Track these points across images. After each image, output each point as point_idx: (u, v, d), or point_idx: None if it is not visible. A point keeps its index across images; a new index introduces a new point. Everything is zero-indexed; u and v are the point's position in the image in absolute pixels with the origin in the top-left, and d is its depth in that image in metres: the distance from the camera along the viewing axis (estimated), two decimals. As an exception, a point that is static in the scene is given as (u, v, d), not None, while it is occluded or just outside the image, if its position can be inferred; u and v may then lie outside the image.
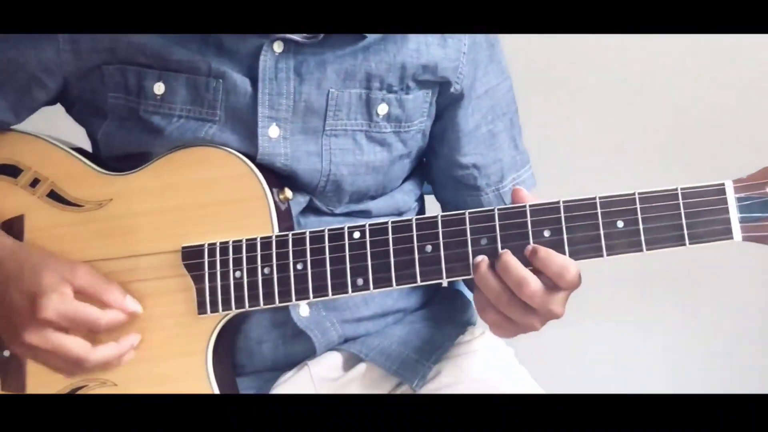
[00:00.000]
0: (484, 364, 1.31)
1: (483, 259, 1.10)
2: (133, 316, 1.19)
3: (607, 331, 2.25)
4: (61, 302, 1.14)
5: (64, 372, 1.18)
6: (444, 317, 1.36)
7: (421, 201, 1.41)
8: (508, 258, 1.09)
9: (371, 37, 1.24)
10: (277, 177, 1.23)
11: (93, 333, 1.17)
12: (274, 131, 1.22)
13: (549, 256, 1.08)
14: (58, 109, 1.33)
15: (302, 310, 1.25)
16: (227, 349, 1.23)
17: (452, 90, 1.29)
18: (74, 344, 1.15)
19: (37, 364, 1.19)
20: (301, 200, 1.26)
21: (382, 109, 1.26)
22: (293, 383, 1.28)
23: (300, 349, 1.27)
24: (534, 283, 1.07)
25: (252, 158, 1.21)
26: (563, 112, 2.27)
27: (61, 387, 1.21)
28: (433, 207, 1.42)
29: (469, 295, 1.46)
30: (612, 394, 1.10)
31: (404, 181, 1.35)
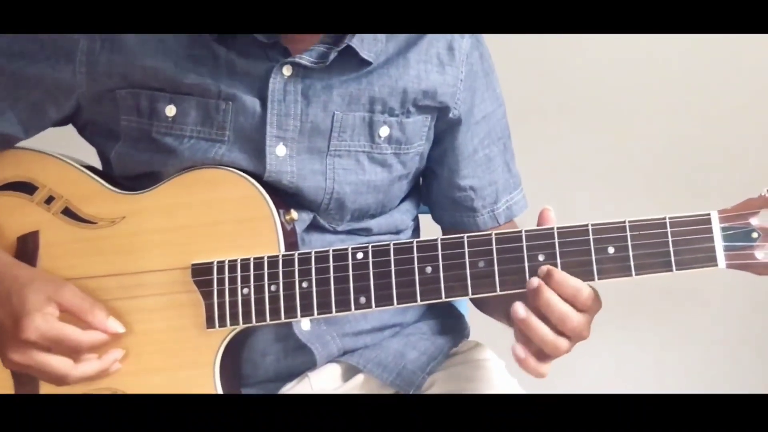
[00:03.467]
0: (477, 375, 1.31)
1: (524, 311, 1.09)
2: (116, 336, 1.18)
3: (595, 344, 2.25)
4: (44, 323, 1.13)
5: (52, 383, 1.17)
6: (438, 330, 1.36)
7: (416, 220, 1.41)
8: (548, 295, 1.08)
9: (375, 63, 1.24)
10: (284, 196, 1.23)
11: (75, 352, 1.16)
12: (281, 150, 1.22)
13: (564, 278, 1.08)
14: (71, 127, 1.31)
15: (304, 324, 1.24)
16: (233, 361, 1.22)
17: (451, 115, 1.30)
18: (56, 362, 1.15)
19: None
20: (306, 218, 1.25)
21: (384, 131, 1.26)
22: (295, 393, 1.27)
23: (301, 361, 1.26)
24: (576, 315, 1.08)
25: (260, 176, 1.21)
26: (555, 137, 2.27)
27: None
28: (426, 225, 1.42)
29: (463, 308, 1.46)
30: (602, 394, 1.11)
31: (402, 201, 1.35)
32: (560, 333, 1.08)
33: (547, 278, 1.08)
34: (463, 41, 1.30)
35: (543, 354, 1.09)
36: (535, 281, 1.08)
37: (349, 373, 1.29)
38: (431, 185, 1.37)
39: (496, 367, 1.31)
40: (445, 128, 1.32)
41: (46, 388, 1.21)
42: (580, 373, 2.09)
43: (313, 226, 1.26)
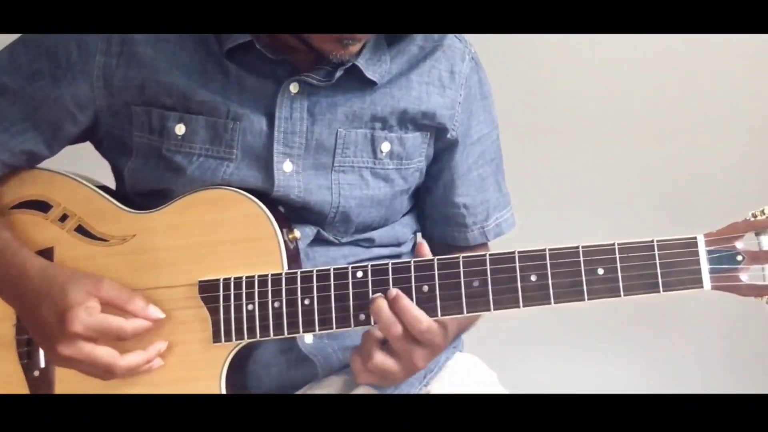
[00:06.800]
0: (470, 386, 1.30)
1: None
2: (158, 323, 1.17)
3: (584, 358, 2.26)
4: (88, 315, 1.13)
5: (98, 378, 1.16)
6: (434, 343, 1.35)
7: (416, 234, 1.40)
8: (380, 302, 1.10)
9: (379, 84, 1.24)
10: (292, 210, 1.22)
11: (121, 341, 1.15)
12: (288, 166, 1.21)
13: (407, 306, 1.10)
14: (85, 149, 1.31)
15: (307, 337, 1.23)
16: (239, 373, 1.21)
17: (448, 136, 1.30)
18: (104, 353, 1.14)
19: (67, 383, 1.19)
20: (309, 233, 1.25)
21: (385, 147, 1.26)
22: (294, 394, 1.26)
23: (304, 373, 1.26)
24: (398, 328, 1.09)
25: (268, 191, 1.21)
26: (547, 158, 2.25)
27: (85, 406, 1.18)
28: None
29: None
30: (592, 394, 1.11)
31: (403, 215, 1.35)
32: (388, 350, 1.11)
33: (393, 302, 1.10)
34: (464, 65, 1.30)
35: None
36: (375, 296, 1.11)
37: (350, 385, 1.28)
38: (425, 201, 1.37)
39: (488, 379, 1.31)
40: (443, 148, 1.31)
41: (60, 390, 1.21)
42: (566, 389, 2.08)
43: (317, 241, 1.26)
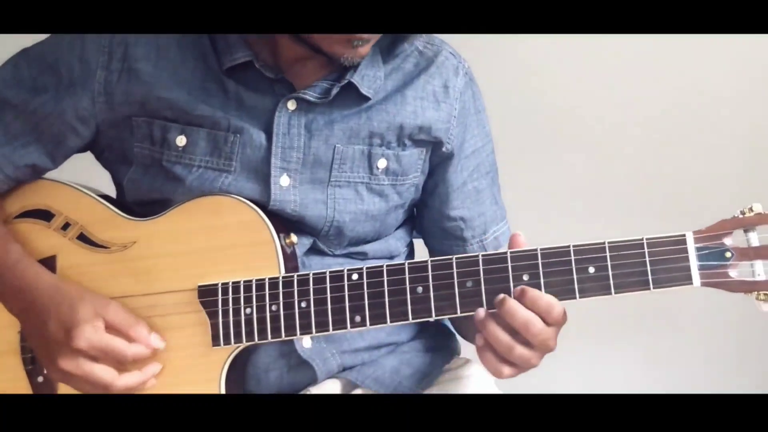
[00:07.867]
0: (468, 389, 1.30)
1: (483, 312, 1.10)
2: (157, 351, 1.18)
3: (582, 359, 2.25)
4: (93, 334, 1.14)
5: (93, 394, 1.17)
6: (431, 348, 1.35)
7: (410, 246, 1.41)
8: (511, 303, 1.08)
9: (374, 99, 1.25)
10: (285, 222, 1.23)
11: (119, 363, 1.16)
12: (285, 180, 1.22)
13: (537, 295, 1.08)
14: (86, 158, 1.32)
15: (305, 341, 1.24)
16: (238, 377, 1.22)
17: (444, 149, 1.30)
18: (102, 372, 1.15)
19: (70, 389, 1.18)
20: (306, 242, 1.25)
21: (382, 163, 1.26)
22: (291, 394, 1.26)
23: (303, 376, 1.26)
24: (539, 322, 1.08)
25: (265, 204, 1.21)
26: (539, 161, 2.25)
27: (87, 411, 1.19)
28: (420, 250, 1.42)
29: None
30: (588, 393, 1.11)
31: (397, 228, 1.35)
32: (524, 342, 1.09)
33: (521, 297, 1.09)
34: (458, 79, 1.31)
35: (504, 359, 1.10)
36: (500, 297, 1.09)
37: (348, 388, 1.29)
38: (423, 215, 1.37)
39: (485, 382, 1.31)
40: (438, 162, 1.32)
41: (63, 391, 1.21)
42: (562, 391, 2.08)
43: (313, 250, 1.27)
